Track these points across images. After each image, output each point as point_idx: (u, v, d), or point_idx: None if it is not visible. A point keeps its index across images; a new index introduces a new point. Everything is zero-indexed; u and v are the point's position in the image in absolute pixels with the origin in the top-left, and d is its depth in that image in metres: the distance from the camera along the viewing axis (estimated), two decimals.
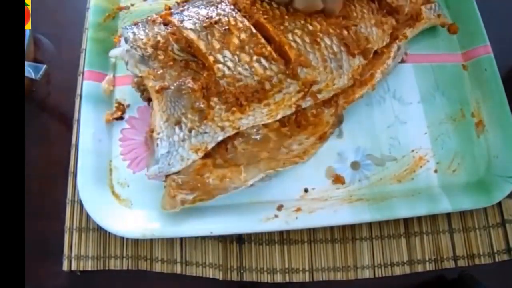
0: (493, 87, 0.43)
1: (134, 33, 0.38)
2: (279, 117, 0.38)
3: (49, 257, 0.41)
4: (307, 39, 0.38)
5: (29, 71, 0.43)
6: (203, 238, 0.41)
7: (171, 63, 0.37)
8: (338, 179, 0.42)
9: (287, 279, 0.40)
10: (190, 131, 0.36)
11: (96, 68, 0.44)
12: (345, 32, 0.39)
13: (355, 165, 0.43)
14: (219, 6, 0.39)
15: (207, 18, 0.38)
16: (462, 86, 0.45)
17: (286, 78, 0.37)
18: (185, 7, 0.40)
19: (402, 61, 0.45)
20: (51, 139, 0.45)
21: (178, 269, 0.40)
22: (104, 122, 0.43)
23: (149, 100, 0.39)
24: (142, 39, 0.38)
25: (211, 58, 0.37)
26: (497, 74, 0.43)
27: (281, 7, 0.39)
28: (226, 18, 0.38)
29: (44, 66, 0.44)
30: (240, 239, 0.41)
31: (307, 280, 0.40)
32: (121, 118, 0.44)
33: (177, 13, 0.39)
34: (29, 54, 0.46)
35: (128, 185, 0.42)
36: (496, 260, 0.40)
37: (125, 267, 0.40)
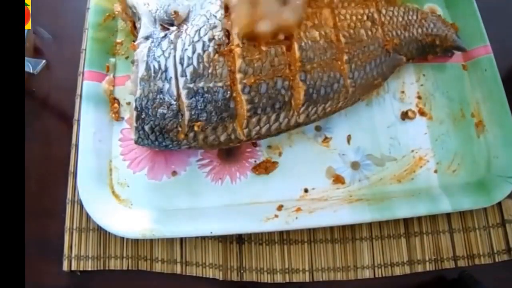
0: (493, 87, 0.43)
1: None
2: None
3: (49, 257, 0.41)
4: None
5: (28, 65, 0.43)
6: (203, 238, 0.41)
7: None
8: (338, 179, 0.42)
9: (287, 279, 0.40)
10: None
11: (96, 68, 0.44)
12: None
13: (355, 165, 0.43)
14: None
15: None
16: (462, 86, 0.45)
17: None
18: None
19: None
20: (51, 139, 0.45)
21: (178, 269, 0.40)
22: (105, 121, 0.43)
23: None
24: None
25: None
26: (497, 74, 0.43)
27: None
28: None
29: (43, 61, 0.44)
30: (240, 239, 0.41)
31: (307, 280, 0.40)
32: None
33: None
34: (28, 54, 0.46)
35: (128, 185, 0.42)
36: (496, 260, 0.40)
37: (125, 267, 0.40)
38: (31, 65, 0.43)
